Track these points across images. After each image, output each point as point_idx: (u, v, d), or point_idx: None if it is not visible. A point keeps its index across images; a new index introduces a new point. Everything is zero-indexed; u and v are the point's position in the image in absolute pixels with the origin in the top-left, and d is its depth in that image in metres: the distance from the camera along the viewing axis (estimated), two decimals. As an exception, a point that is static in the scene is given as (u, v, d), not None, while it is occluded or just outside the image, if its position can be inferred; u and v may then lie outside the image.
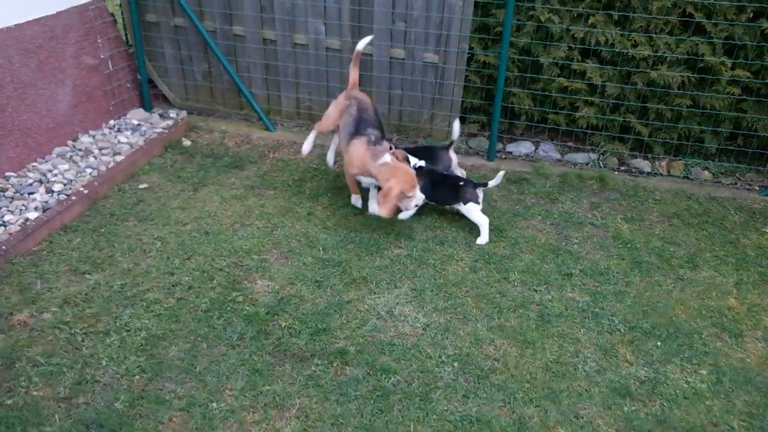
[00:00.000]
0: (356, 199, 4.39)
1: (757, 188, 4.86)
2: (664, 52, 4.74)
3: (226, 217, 4.18)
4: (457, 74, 5.10)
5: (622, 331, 3.37)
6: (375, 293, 3.55)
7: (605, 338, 3.32)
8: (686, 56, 4.73)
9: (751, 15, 4.51)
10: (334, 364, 3.04)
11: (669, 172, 5.09)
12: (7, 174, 4.24)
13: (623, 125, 5.13)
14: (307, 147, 4.49)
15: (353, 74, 4.41)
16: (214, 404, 2.78)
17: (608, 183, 4.83)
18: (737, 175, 5.05)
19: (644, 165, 5.15)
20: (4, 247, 3.56)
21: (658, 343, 3.30)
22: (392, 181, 3.78)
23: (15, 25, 4.27)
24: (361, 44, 4.40)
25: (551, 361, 3.14)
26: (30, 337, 3.08)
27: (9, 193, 4.04)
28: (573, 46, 4.94)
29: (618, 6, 4.74)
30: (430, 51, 5.05)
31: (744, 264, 3.95)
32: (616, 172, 5.07)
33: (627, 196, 4.69)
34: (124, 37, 5.57)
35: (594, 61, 4.98)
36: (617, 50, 4.82)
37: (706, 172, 5.06)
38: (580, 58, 4.98)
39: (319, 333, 3.22)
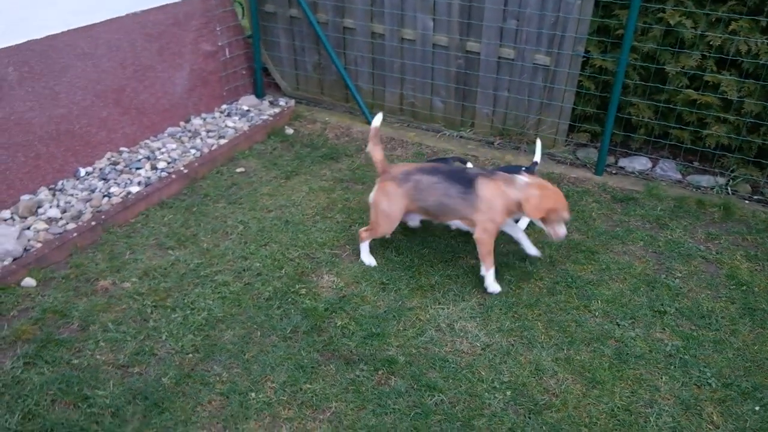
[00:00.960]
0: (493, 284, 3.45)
1: None
2: (821, 67, 4.06)
3: (309, 208, 4.23)
4: (570, 79, 4.74)
5: (714, 386, 2.94)
6: (440, 303, 3.40)
7: (690, 391, 2.91)
8: None
9: None
10: (380, 372, 2.94)
11: (814, 206, 4.37)
12: (121, 149, 4.60)
13: (762, 148, 4.48)
14: (371, 261, 3.70)
15: (378, 154, 3.53)
16: (253, 394, 2.81)
17: (734, 212, 4.25)
18: None
19: (784, 195, 4.47)
20: (103, 217, 3.86)
21: (757, 408, 2.83)
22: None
23: (141, 11, 4.61)
24: (377, 121, 3.61)
25: (619, 407, 2.81)
26: (107, 303, 3.31)
27: (119, 167, 4.39)
28: (708, 54, 4.38)
29: (767, 11, 4.12)
30: (542, 52, 4.74)
31: None
32: (746, 201, 4.45)
33: (755, 230, 4.10)
34: (242, 26, 5.82)
35: (732, 72, 4.38)
36: (762, 62, 4.21)
37: None
38: (714, 69, 4.41)
39: (372, 337, 3.14)
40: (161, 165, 4.45)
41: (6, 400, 2.73)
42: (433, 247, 3.84)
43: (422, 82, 5.31)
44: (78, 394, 2.77)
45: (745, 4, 4.17)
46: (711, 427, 2.74)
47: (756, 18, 4.16)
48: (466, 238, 3.93)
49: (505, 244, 3.89)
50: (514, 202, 3.26)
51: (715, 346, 3.16)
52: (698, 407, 2.83)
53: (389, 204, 3.47)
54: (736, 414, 2.80)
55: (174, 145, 4.73)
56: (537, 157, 4.02)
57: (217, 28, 5.30)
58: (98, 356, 2.99)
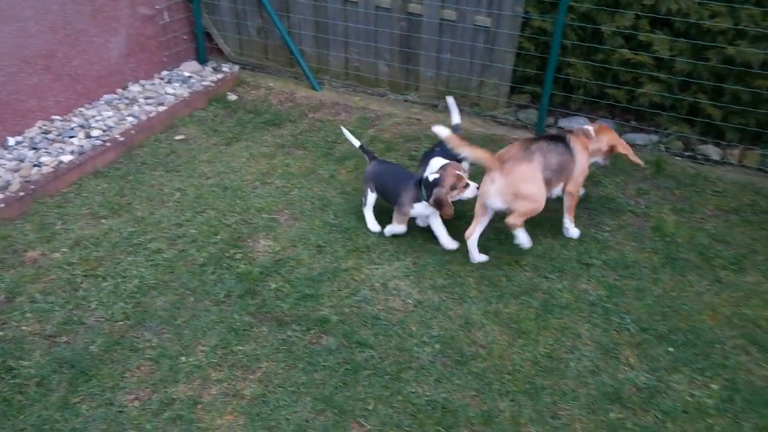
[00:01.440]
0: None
1: None
2: (747, 26, 4.17)
3: (248, 174, 4.21)
4: (510, 40, 4.78)
5: (632, 331, 3.08)
6: (375, 264, 3.46)
7: (610, 337, 3.05)
8: (773, 30, 4.13)
9: None
10: (312, 332, 3.00)
11: (741, 162, 4.54)
12: (53, 117, 4.49)
13: (692, 106, 4.60)
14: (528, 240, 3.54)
15: (479, 153, 3.32)
16: (183, 358, 2.84)
17: (665, 169, 4.39)
18: (824, 170, 4.42)
19: (713, 152, 4.63)
20: (33, 187, 3.79)
21: (670, 349, 2.99)
22: None
23: (68, -27, 4.44)
24: (443, 131, 3.36)
25: (541, 355, 2.93)
26: (36, 274, 3.28)
27: (51, 136, 4.29)
28: (641, 14, 4.45)
29: (695, -31, 4.20)
30: (482, 13, 4.75)
31: (803, 272, 3.47)
32: (678, 158, 4.59)
33: (683, 184, 4.25)
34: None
35: (664, 32, 4.47)
36: (692, 21, 4.30)
37: (787, 164, 4.47)
38: (648, 28, 4.49)
39: (305, 298, 3.19)
40: (96, 133, 4.36)
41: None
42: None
43: (366, 46, 5.28)
44: (1, 365, 2.76)
45: (676, -37, 4.24)
46: (627, 368, 2.89)
47: (685, -24, 4.23)
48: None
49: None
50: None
51: (636, 294, 3.30)
52: (616, 351, 2.97)
53: (534, 183, 3.33)
54: (650, 356, 2.95)
55: (110, 113, 4.64)
56: (456, 118, 3.98)
57: (154, -9, 5.15)
58: (24, 327, 2.97)
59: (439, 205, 3.35)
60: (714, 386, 2.80)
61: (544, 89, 4.66)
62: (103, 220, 3.69)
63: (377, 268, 3.43)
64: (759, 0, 4.12)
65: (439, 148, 3.73)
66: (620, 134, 4.80)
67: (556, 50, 4.49)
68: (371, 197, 3.67)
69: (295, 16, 5.40)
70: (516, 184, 3.30)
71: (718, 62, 4.33)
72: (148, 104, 4.83)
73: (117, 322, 3.01)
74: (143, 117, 4.65)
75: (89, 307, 3.09)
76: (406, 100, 5.30)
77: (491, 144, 4.61)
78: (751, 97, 4.35)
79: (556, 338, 3.03)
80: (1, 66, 4.15)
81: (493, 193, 3.33)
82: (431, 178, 3.38)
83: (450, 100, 3.98)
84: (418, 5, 4.92)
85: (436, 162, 3.57)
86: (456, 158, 3.54)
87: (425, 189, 3.40)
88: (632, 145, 4.67)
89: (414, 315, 3.13)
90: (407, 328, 3.05)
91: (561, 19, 4.34)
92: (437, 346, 2.96)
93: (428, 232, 3.67)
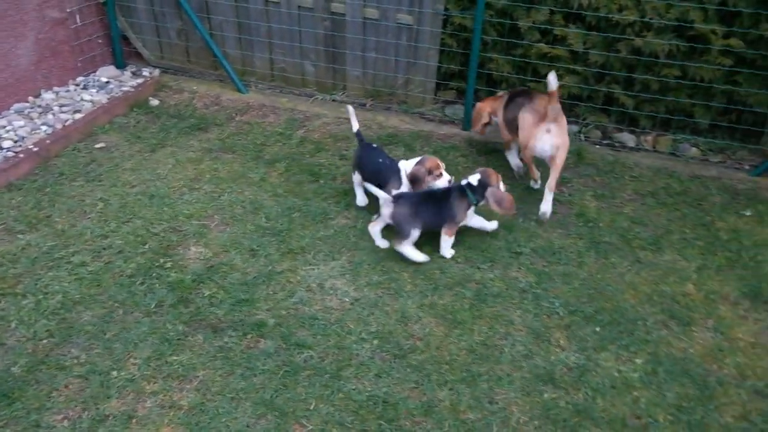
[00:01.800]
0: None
1: (747, 167, 4.56)
2: (652, 18, 4.41)
3: (175, 181, 4.10)
4: (432, 37, 4.87)
5: (561, 314, 3.21)
6: (310, 264, 3.45)
7: (541, 321, 3.17)
8: (675, 23, 4.39)
9: (745, -22, 4.14)
10: (249, 337, 2.96)
11: (655, 147, 4.81)
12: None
13: (608, 96, 4.84)
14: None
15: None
16: (115, 372, 2.75)
17: (585, 157, 4.58)
18: (728, 153, 4.74)
19: (629, 139, 4.88)
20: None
21: (597, 329, 3.14)
22: None
23: (-33, -24, 4.19)
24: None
25: (477, 343, 3.02)
26: (-53, 296, 3.08)
27: (-43, 149, 4.02)
28: (555, 9, 4.63)
29: (602, -34, 4.40)
30: (404, 11, 4.81)
31: (712, 248, 3.72)
32: (597, 146, 4.81)
33: (603, 171, 4.45)
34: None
35: (577, 26, 4.67)
36: (602, 15, 4.51)
37: (695, 148, 4.76)
38: (562, 23, 4.68)
39: (241, 303, 3.14)
40: (6, 144, 4.13)
41: None
42: (304, 211, 3.87)
43: (291, 46, 5.24)
44: None
45: (584, -40, 4.44)
46: (558, 350, 3.01)
47: (594, -27, 4.43)
48: (338, 198, 3.99)
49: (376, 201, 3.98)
50: None
51: (563, 279, 3.44)
52: (547, 334, 3.09)
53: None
54: (579, 336, 3.09)
55: (22, 122, 4.40)
56: (355, 126, 3.96)
57: (64, -7, 4.92)
58: (-63, 352, 2.79)
59: (413, 180, 3.60)
60: (638, 361, 2.97)
61: (468, 85, 4.78)
62: (19, 235, 3.51)
63: (313, 269, 3.42)
64: (662, -6, 4.38)
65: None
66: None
67: (477, 46, 4.61)
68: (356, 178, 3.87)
69: (216, 18, 5.29)
70: (564, 134, 3.81)
71: (628, 53, 4.56)
72: (63, 112, 4.62)
73: (41, 340, 2.87)
74: (59, 126, 4.44)
75: (9, 326, 2.94)
76: (334, 100, 5.30)
77: (420, 140, 4.69)
78: (660, 85, 4.61)
79: (490, 326, 3.12)
80: None
81: (549, 142, 3.77)
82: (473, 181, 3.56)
83: (350, 109, 4.02)
84: (341, 4, 4.93)
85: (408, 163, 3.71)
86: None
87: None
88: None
89: (351, 313, 3.15)
90: (345, 326, 3.06)
91: (480, 15, 4.47)
92: (375, 341, 2.99)
93: (364, 230, 3.69)
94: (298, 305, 3.17)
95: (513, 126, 4.07)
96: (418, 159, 3.71)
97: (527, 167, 4.16)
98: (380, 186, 3.60)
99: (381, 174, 3.71)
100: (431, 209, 3.49)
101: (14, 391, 2.63)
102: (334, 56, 5.19)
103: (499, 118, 4.28)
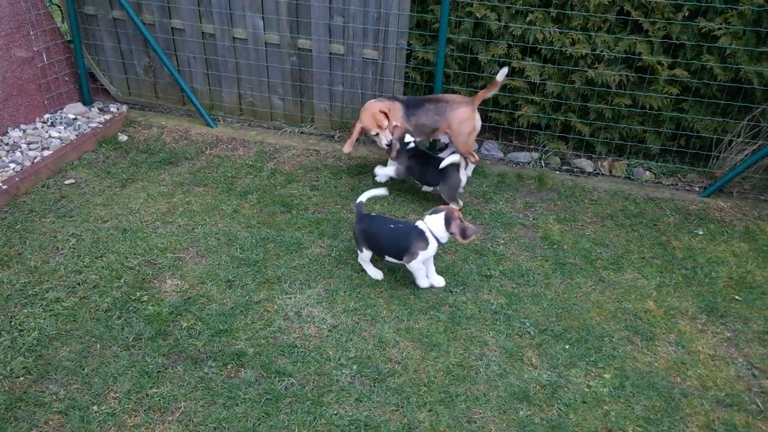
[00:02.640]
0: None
1: (697, 189, 4.83)
2: (602, 51, 4.70)
3: (147, 215, 4.12)
4: (397, 71, 5.05)
5: (532, 333, 3.34)
6: (287, 293, 3.51)
7: (513, 341, 3.28)
8: (624, 55, 4.68)
9: (686, 14, 4.46)
10: (229, 366, 2.99)
11: (611, 172, 5.05)
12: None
13: (565, 124, 5.09)
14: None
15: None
16: (95, 407, 2.73)
17: (547, 183, 4.79)
18: (679, 176, 5.01)
19: (586, 165, 5.12)
20: None
21: (567, 347, 3.27)
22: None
23: (-68, 17, 4.18)
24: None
25: (453, 364, 3.11)
26: None
27: None
28: (512, 43, 4.88)
29: (556, 3, 4.68)
30: (369, 47, 4.99)
31: (669, 266, 3.92)
32: (557, 172, 5.03)
33: (564, 196, 4.65)
34: (61, 30, 5.46)
35: (534, 58, 4.93)
36: (556, 48, 4.78)
37: (648, 172, 5.02)
38: (519, 56, 4.93)
39: (219, 334, 3.17)
40: (-26, 183, 4.09)
41: None
42: (278, 241, 3.93)
43: (259, 81, 5.35)
44: None
45: (538, -3, 4.72)
46: (531, 368, 3.13)
47: (547, 9, 4.71)
48: (311, 228, 4.07)
49: (348, 229, 4.08)
50: None
51: (532, 299, 3.58)
52: (520, 353, 3.20)
53: None
54: (550, 354, 3.21)
55: (-11, 161, 4.36)
56: (364, 198, 3.79)
57: (31, 33, 4.94)
58: None
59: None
60: (606, 376, 3.10)
61: (433, 116, 4.94)
62: (-10, 274, 3.47)
63: (290, 298, 3.48)
64: (609, 28, 4.67)
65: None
66: (504, 153, 5.23)
67: (440, 79, 4.82)
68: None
69: (184, 54, 5.38)
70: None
71: (582, 84, 4.83)
72: (31, 149, 4.60)
73: (17, 377, 2.84)
74: (27, 163, 4.42)
75: (-16, 366, 2.89)
76: (302, 132, 5.41)
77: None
78: (613, 113, 4.89)
79: (465, 347, 3.22)
80: None
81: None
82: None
83: (379, 192, 3.91)
84: (308, 40, 5.09)
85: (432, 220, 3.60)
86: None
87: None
88: (516, 163, 5.10)
89: (330, 339, 3.21)
90: (324, 353, 3.12)
91: (441, 50, 4.68)
92: (355, 367, 3.05)
93: (338, 258, 3.77)
94: (276, 334, 3.22)
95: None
96: (439, 215, 3.48)
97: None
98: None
99: (400, 241, 3.48)
100: None
101: (-8, 431, 2.59)
102: (302, 90, 5.32)
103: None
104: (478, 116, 4.52)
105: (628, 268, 3.88)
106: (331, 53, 5.09)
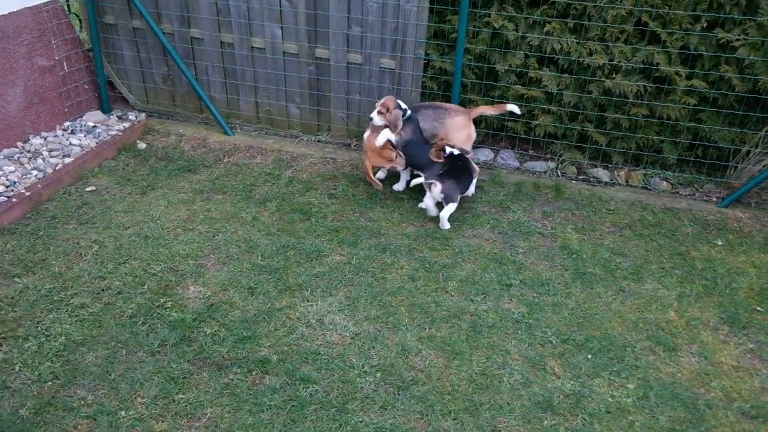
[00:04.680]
0: None
1: (714, 199, 4.83)
2: (620, 61, 4.72)
3: (168, 222, 4.15)
4: (414, 80, 5.08)
5: (554, 343, 3.34)
6: (308, 301, 3.52)
7: (536, 350, 3.28)
8: (642, 65, 4.70)
9: (705, 25, 4.48)
10: (254, 373, 3.00)
11: (628, 182, 5.05)
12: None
13: (581, 134, 5.10)
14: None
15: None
16: (123, 412, 2.75)
17: (564, 192, 4.80)
18: (696, 186, 5.01)
19: (603, 174, 5.12)
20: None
21: (589, 356, 3.26)
22: None
23: (-40, 26, 4.25)
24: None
25: (476, 373, 3.11)
26: (-54, 342, 3.05)
27: (-52, 195, 4.01)
28: (529, 53, 4.91)
29: (573, 14, 4.71)
30: (387, 56, 5.02)
31: (690, 276, 3.91)
32: (573, 181, 5.03)
33: (581, 205, 4.66)
34: (81, 39, 5.53)
35: (551, 69, 4.95)
36: (573, 58, 4.80)
37: (665, 182, 5.02)
38: (536, 66, 4.95)
39: (243, 341, 3.18)
40: (-1, 189, 4.13)
41: None
42: (298, 249, 3.95)
43: (276, 90, 5.39)
44: None
45: (555, 8, 4.74)
46: (554, 377, 3.12)
47: (565, 20, 4.74)
48: (330, 236, 4.09)
49: (369, 237, 4.10)
50: None
51: (553, 309, 3.58)
52: (543, 363, 3.20)
53: None
54: (573, 364, 3.21)
55: (12, 168, 4.41)
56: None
57: (53, 42, 5.00)
58: (-60, 398, 2.76)
59: None
60: (630, 386, 3.10)
61: (450, 125, 4.97)
62: (16, 279, 3.50)
63: (311, 305, 3.49)
64: (627, 38, 4.69)
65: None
66: (521, 162, 5.24)
67: (458, 88, 4.85)
68: None
69: (202, 63, 5.43)
70: None
71: (600, 94, 4.85)
72: (53, 156, 4.65)
73: (46, 382, 2.87)
74: (49, 170, 4.46)
75: (13, 369, 2.92)
76: (319, 141, 5.44)
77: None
78: (630, 123, 4.90)
79: (487, 356, 3.22)
80: None
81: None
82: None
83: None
84: (325, 50, 5.13)
85: None
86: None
87: None
88: (533, 173, 5.12)
89: (352, 347, 3.22)
90: (348, 360, 3.13)
91: (459, 59, 4.71)
92: (378, 374, 3.06)
93: (358, 266, 3.79)
94: (299, 341, 3.23)
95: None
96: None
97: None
98: None
99: None
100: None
101: (22, 435, 2.61)
102: (319, 99, 5.36)
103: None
104: (473, 127, 4.60)
105: (648, 278, 3.88)
106: (348, 62, 5.12)
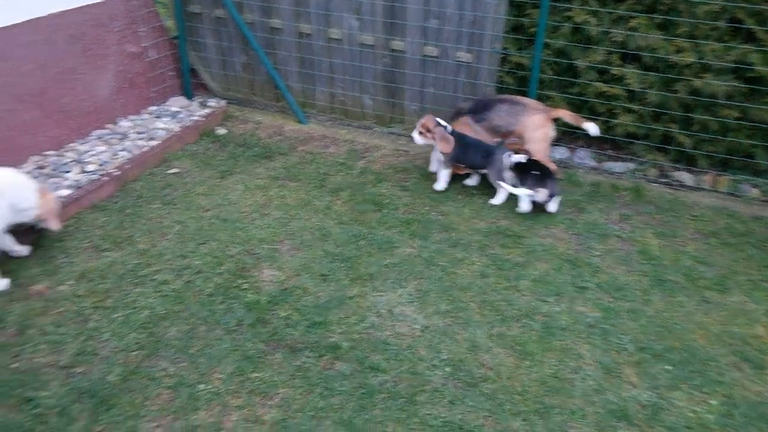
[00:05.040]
0: None
1: (809, 210, 4.53)
2: (711, 60, 4.49)
3: (245, 206, 4.27)
4: (490, 75, 5.01)
5: (630, 351, 3.23)
6: (379, 291, 3.54)
7: (610, 357, 3.19)
8: (735, 65, 4.45)
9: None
10: (325, 358, 3.05)
11: (714, 187, 4.81)
12: (46, 152, 4.48)
13: (665, 135, 4.89)
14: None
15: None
16: (202, 386, 2.86)
17: (644, 195, 4.62)
18: (789, 194, 4.72)
19: (686, 178, 4.90)
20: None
21: (668, 367, 3.14)
22: None
23: (60, 12, 4.49)
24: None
25: (548, 375, 3.05)
26: (44, 307, 3.27)
27: (47, 171, 4.27)
28: (612, 50, 4.75)
29: (661, 9, 4.52)
30: (463, 50, 4.98)
31: (781, 290, 3.69)
32: (655, 184, 4.84)
33: (662, 209, 4.47)
34: (166, 27, 5.75)
35: (634, 66, 4.77)
36: (659, 56, 4.60)
37: (755, 189, 4.75)
38: (619, 63, 4.78)
39: (315, 326, 3.24)
40: (91, 168, 4.36)
41: (-58, 410, 2.67)
42: (369, 239, 3.98)
43: (351, 81, 5.44)
44: (20, 396, 2.75)
45: (642, 3, 4.55)
46: (630, 386, 3.02)
47: (652, 15, 4.54)
48: (402, 228, 4.09)
49: (439, 231, 4.08)
50: None
51: (630, 315, 3.46)
52: (618, 370, 3.10)
53: None
54: (650, 374, 3.09)
55: (103, 148, 4.65)
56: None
57: (141, 29, 5.23)
58: (39, 359, 2.97)
59: None
60: (713, 402, 2.96)
61: (525, 121, 4.87)
62: (105, 253, 3.69)
63: (381, 296, 3.51)
64: (719, 36, 4.45)
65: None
66: (598, 162, 5.08)
67: (535, 84, 4.74)
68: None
69: (281, 53, 5.54)
70: None
71: (687, 94, 4.63)
72: (139, 139, 4.86)
73: (131, 352, 3.02)
74: (136, 151, 4.68)
75: (102, 338, 3.09)
76: (392, 133, 5.46)
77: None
78: (719, 126, 4.65)
79: (559, 359, 3.15)
80: (-6, 103, 4.15)
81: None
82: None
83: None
84: (401, 42, 5.12)
85: None
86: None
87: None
88: (611, 173, 4.95)
89: (422, 340, 3.22)
90: (417, 353, 3.13)
91: (538, 54, 4.60)
92: (448, 369, 3.05)
93: (429, 260, 3.78)
94: (369, 330, 3.25)
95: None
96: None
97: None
98: None
99: None
100: None
101: (111, 398, 2.77)
102: (393, 91, 5.37)
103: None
104: (551, 125, 4.52)
105: (734, 290, 3.69)
106: (424, 55, 5.11)
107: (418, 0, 4.88)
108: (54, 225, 3.58)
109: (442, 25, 4.92)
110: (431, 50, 5.07)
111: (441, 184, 4.55)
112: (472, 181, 4.62)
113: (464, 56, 4.99)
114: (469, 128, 4.56)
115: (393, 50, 5.20)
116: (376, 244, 3.93)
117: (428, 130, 4.44)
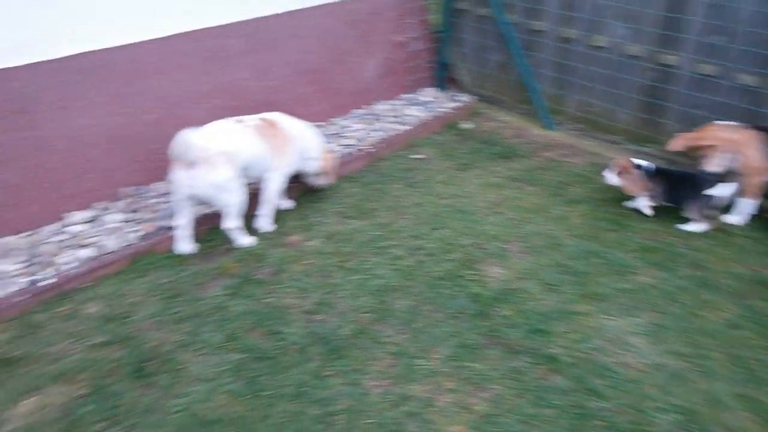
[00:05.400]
0: None
1: None
2: None
3: (480, 201, 4.33)
4: (779, 104, 4.37)
5: None
6: (608, 314, 3.34)
7: None
8: None
9: None
10: (541, 367, 2.97)
11: None
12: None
13: None
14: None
15: None
16: (421, 361, 2.98)
17: None
18: None
19: None
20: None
21: None
22: None
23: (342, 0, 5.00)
24: None
25: (806, 458, 2.59)
26: (296, 256, 3.69)
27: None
28: None
29: None
30: (748, 72, 4.41)
31: None
32: None
33: None
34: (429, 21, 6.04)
35: None
36: None
37: None
38: None
39: (536, 332, 3.17)
40: (349, 142, 4.79)
41: (214, 320, 3.18)
42: (603, 258, 3.77)
43: (609, 92, 5.17)
44: (270, 327, 3.16)
45: None
46: None
47: None
48: (641, 254, 3.80)
49: (687, 266, 3.71)
50: None
51: None
52: None
53: None
54: None
55: (360, 126, 5.07)
56: None
57: (409, 21, 5.56)
58: (287, 299, 3.36)
59: None
60: None
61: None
62: (350, 220, 4.04)
63: (610, 320, 3.30)
64: None
65: None
66: None
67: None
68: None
69: (537, 55, 5.47)
70: None
71: None
72: (392, 122, 5.20)
73: (363, 313, 3.26)
74: (389, 133, 5.01)
75: (339, 294, 3.40)
76: (642, 152, 5.07)
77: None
78: None
79: (824, 442, 2.65)
80: (280, 74, 4.75)
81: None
82: None
83: None
84: (673, 56, 4.71)
85: None
86: None
87: None
88: None
89: (650, 377, 2.96)
90: (643, 389, 2.89)
91: None
92: (677, 416, 2.76)
93: (669, 294, 3.46)
94: (593, 351, 3.08)
95: None
96: None
97: None
98: None
99: None
100: None
101: (342, 349, 3.04)
102: (654, 108, 4.98)
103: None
104: None
105: None
106: (698, 73, 4.64)
107: (705, 13, 4.44)
108: (330, 179, 4.13)
109: (727, 43, 4.41)
110: (709, 69, 4.59)
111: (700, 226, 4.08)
112: (735, 218, 4.10)
113: (749, 79, 4.43)
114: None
115: (661, 64, 4.81)
116: (609, 265, 3.70)
117: (624, 170, 4.11)
